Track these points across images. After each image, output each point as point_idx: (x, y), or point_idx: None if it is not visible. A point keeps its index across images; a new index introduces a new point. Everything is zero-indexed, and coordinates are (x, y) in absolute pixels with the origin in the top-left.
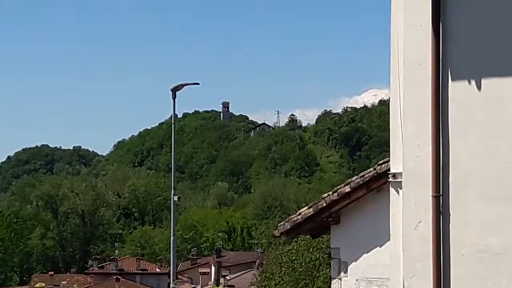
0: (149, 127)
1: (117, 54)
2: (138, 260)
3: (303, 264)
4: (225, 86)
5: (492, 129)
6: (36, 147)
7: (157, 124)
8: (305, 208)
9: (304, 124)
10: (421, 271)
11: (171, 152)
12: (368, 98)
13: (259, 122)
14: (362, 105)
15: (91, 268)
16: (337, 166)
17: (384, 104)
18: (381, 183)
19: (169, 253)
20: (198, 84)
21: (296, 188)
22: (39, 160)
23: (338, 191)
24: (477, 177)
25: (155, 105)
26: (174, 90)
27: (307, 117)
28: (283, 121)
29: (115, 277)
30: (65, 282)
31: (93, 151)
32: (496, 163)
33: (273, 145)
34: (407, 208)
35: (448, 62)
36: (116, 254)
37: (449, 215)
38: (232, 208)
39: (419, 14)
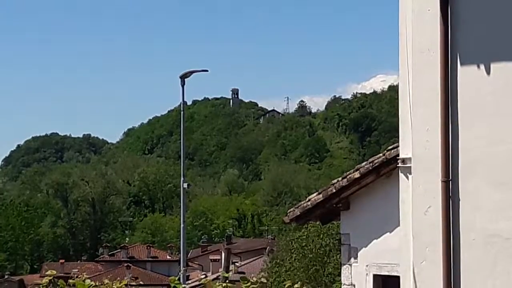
0: (158, 115)
1: (127, 42)
2: (148, 248)
3: (314, 250)
4: (235, 73)
5: (502, 114)
6: (46, 135)
7: (166, 112)
8: (315, 194)
9: (313, 111)
10: (431, 256)
11: (180, 139)
12: (376, 84)
13: (269, 109)
14: (372, 91)
15: (101, 256)
16: (347, 152)
17: (394, 90)
18: (391, 168)
19: (180, 240)
20: (207, 71)
21: (306, 174)
22: (49, 149)
23: (348, 177)
24: (486, 162)
25: (164, 92)
26: (183, 77)
27: (316, 103)
28: (293, 107)
29: (125, 264)
30: (76, 270)
31: (102, 139)
32: (505, 148)
33: (283, 132)
34: (417, 193)
35: (457, 47)
36: (126, 241)
37: (459, 200)
38: (242, 195)
39: None
